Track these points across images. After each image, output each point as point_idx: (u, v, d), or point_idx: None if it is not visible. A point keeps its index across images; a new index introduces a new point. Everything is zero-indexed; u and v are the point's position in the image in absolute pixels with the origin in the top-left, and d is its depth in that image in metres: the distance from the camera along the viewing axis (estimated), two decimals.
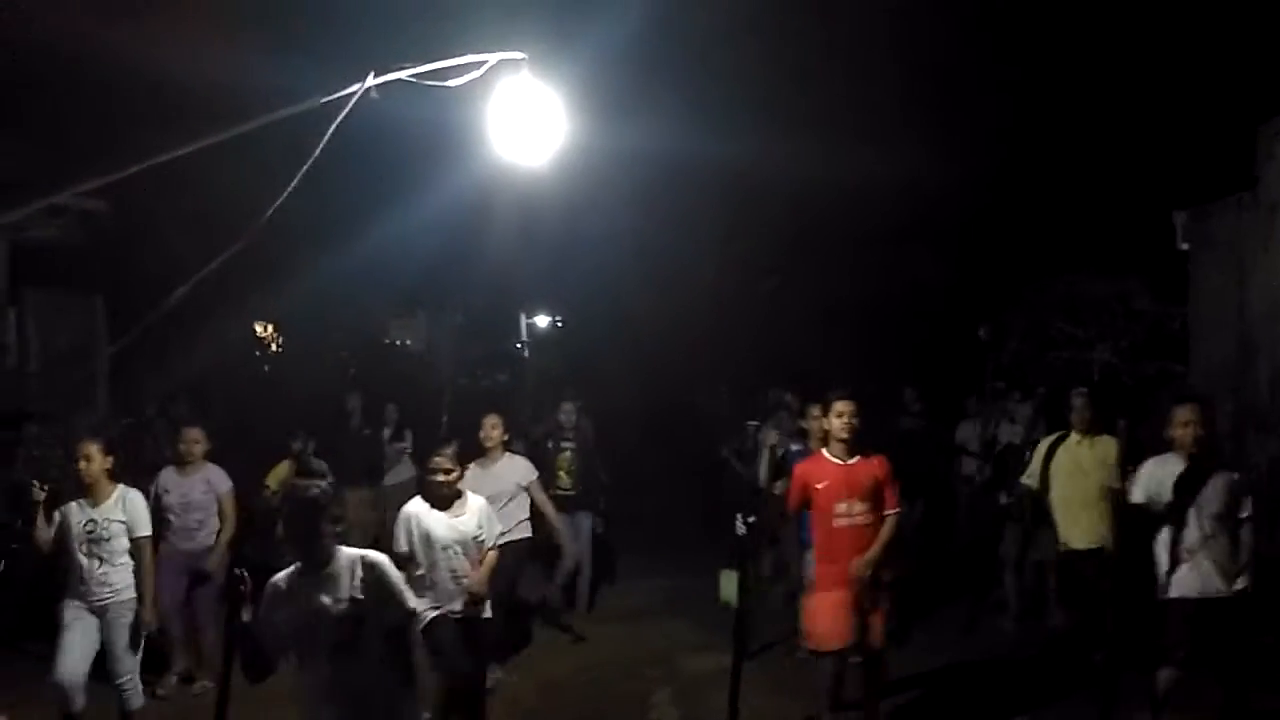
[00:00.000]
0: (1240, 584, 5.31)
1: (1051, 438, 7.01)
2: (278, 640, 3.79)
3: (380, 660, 3.79)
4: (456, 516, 5.65)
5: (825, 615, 5.70)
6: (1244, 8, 9.67)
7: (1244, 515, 5.37)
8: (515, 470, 7.07)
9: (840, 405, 5.73)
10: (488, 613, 5.80)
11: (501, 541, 6.72)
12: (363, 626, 3.72)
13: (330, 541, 3.85)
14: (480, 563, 5.70)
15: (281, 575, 3.88)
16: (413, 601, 3.91)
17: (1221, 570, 5.28)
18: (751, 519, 5.42)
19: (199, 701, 6.67)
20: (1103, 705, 5.54)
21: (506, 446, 7.18)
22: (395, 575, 3.89)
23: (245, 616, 3.81)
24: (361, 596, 3.74)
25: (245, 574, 3.87)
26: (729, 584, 8.59)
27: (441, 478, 5.62)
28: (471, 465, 6.94)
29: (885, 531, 5.67)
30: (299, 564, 3.84)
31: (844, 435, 5.71)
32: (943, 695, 6.82)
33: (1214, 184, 9.18)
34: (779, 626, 7.91)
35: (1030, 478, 7.03)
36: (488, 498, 6.74)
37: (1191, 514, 5.32)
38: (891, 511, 5.72)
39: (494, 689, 6.70)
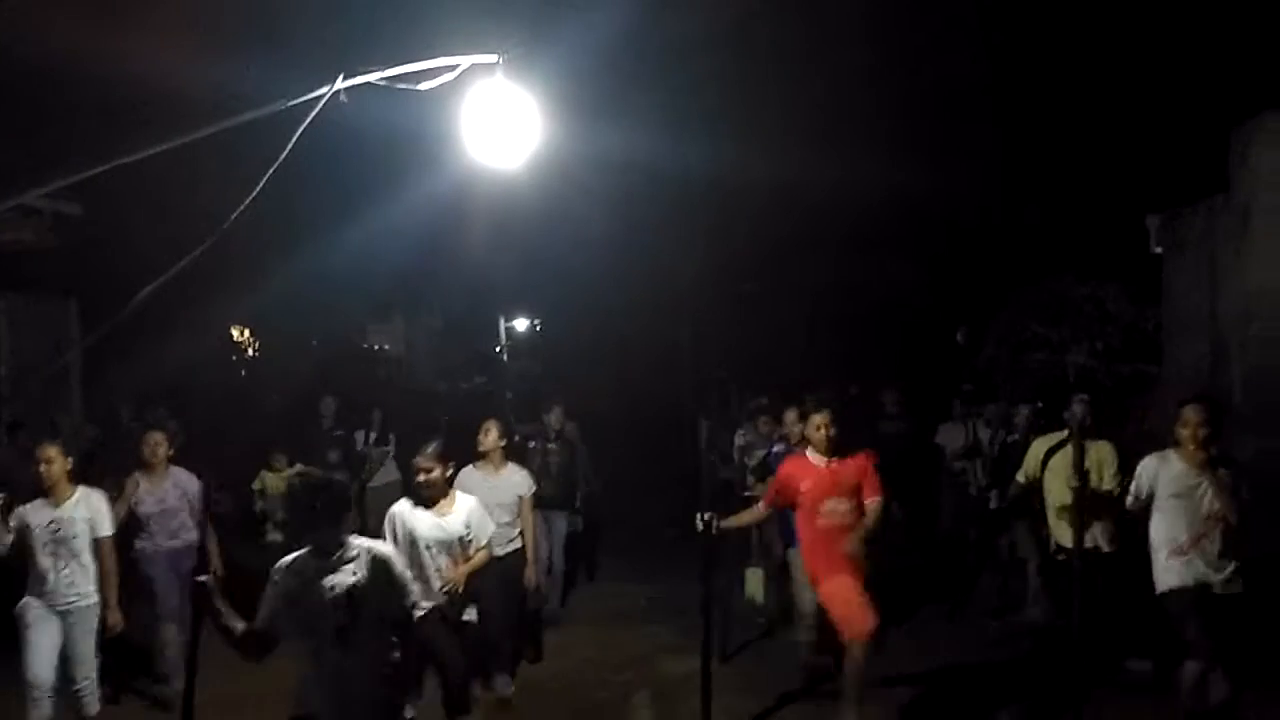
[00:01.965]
0: (1233, 585, 5.35)
1: (1050, 439, 7.08)
2: (278, 621, 3.82)
3: (376, 651, 3.81)
4: (443, 516, 5.65)
5: (841, 604, 5.81)
6: (1216, 13, 9.75)
7: (1240, 514, 5.38)
8: (518, 482, 7.00)
9: (817, 418, 5.96)
10: (470, 615, 5.77)
11: (511, 549, 6.79)
12: (361, 615, 3.76)
13: (341, 529, 3.91)
14: (464, 561, 5.68)
15: (291, 558, 3.92)
16: (416, 598, 3.92)
17: (1212, 569, 5.34)
18: (709, 516, 5.47)
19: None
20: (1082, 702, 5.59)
21: (506, 453, 7.09)
22: (402, 570, 3.93)
23: (235, 625, 3.82)
24: (365, 586, 3.77)
25: (209, 581, 3.87)
26: (754, 581, 8.64)
27: (423, 477, 5.62)
28: (470, 469, 6.91)
29: (871, 517, 5.86)
30: (309, 549, 3.88)
31: (823, 446, 5.93)
32: (928, 691, 6.86)
33: (1187, 188, 9.26)
34: (750, 627, 7.99)
35: (1022, 476, 7.15)
36: (495, 505, 6.76)
37: (1184, 515, 5.38)
38: (873, 500, 5.89)
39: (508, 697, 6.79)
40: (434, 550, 5.59)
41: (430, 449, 5.69)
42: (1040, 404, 8.70)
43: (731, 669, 7.21)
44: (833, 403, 6.05)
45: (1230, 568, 5.36)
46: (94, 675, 5.74)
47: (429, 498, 5.65)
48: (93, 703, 5.74)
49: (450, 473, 5.80)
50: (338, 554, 3.86)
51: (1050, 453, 6.97)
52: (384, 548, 4.00)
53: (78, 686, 5.66)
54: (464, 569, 5.65)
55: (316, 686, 3.81)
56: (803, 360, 15.53)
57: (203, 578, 3.89)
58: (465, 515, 5.71)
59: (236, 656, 3.92)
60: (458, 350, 23.33)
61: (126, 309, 3.45)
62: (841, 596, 5.80)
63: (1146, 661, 6.53)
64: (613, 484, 11.59)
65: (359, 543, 3.95)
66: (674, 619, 8.26)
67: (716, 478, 9.42)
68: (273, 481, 8.58)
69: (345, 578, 3.80)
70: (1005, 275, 12.81)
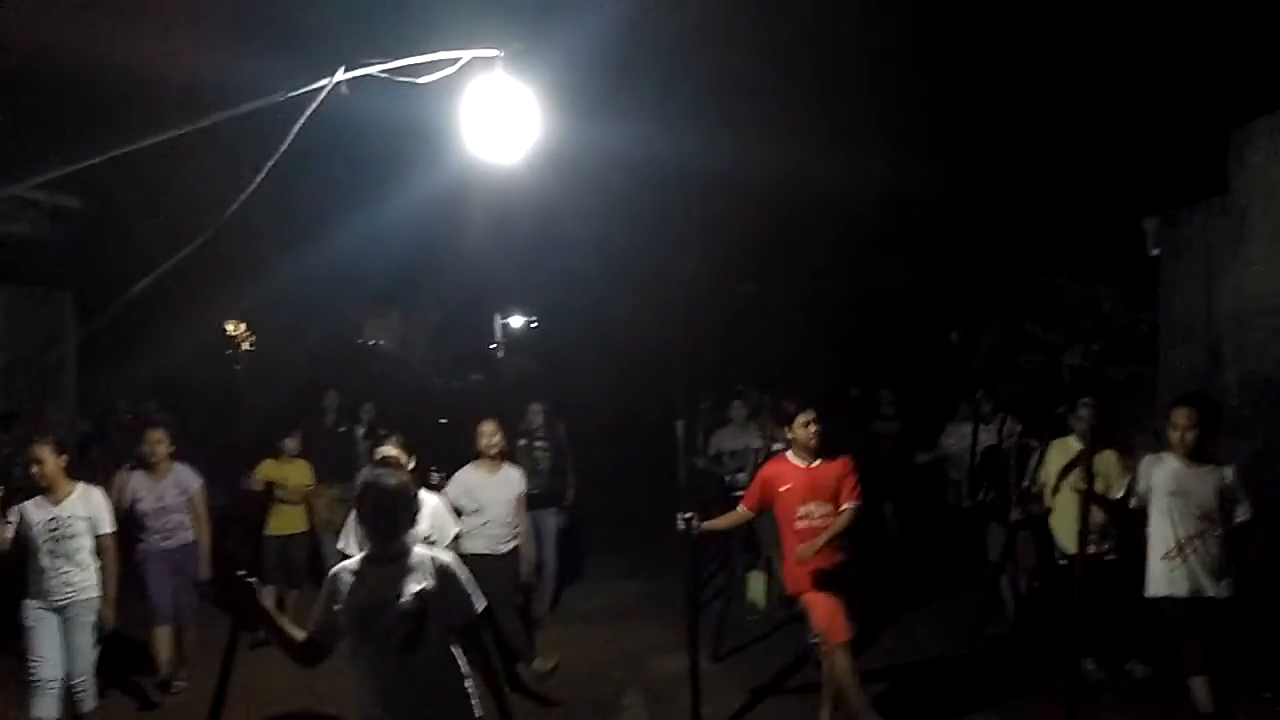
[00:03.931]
0: (1225, 589, 5.35)
1: (1064, 446, 7.00)
2: (335, 631, 3.73)
3: (441, 658, 3.77)
4: None
5: (821, 613, 5.77)
6: (1215, 13, 9.75)
7: (1238, 519, 5.43)
8: (517, 480, 7.06)
9: (803, 416, 5.90)
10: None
11: (513, 547, 6.80)
12: (427, 622, 3.69)
13: (406, 534, 3.83)
14: None
15: (347, 565, 3.83)
16: (480, 603, 3.86)
17: (1206, 571, 5.35)
18: (689, 515, 5.49)
19: (179, 700, 6.75)
20: (1070, 705, 5.59)
21: (504, 454, 7.11)
22: (465, 576, 3.84)
23: (291, 632, 3.74)
24: (429, 593, 3.71)
25: (250, 578, 3.76)
26: (756, 585, 8.62)
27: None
28: (470, 468, 6.91)
29: (840, 522, 5.78)
30: (369, 554, 3.80)
31: (812, 443, 5.88)
32: (918, 693, 6.85)
33: (1185, 190, 9.24)
34: (747, 627, 7.98)
35: (1045, 483, 7.07)
36: (498, 504, 6.74)
37: (1179, 513, 5.40)
38: (848, 505, 5.81)
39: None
40: None
41: (395, 439, 5.69)
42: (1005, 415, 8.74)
43: (724, 667, 7.22)
44: (818, 402, 5.97)
45: (1223, 571, 5.36)
46: (91, 671, 5.74)
47: None
48: (88, 699, 5.74)
49: (409, 464, 5.66)
50: (397, 560, 3.76)
51: (1068, 468, 6.78)
52: (446, 555, 3.88)
53: (75, 682, 5.66)
54: None
55: (383, 693, 3.69)
56: (796, 360, 15.51)
57: (244, 574, 3.76)
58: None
59: (248, 656, 3.85)
60: (454, 346, 23.24)
61: (123, 301, 3.43)
62: (822, 605, 5.77)
63: (1146, 665, 6.53)
64: (606, 482, 11.60)
65: (420, 550, 3.85)
66: (667, 617, 8.27)
67: (715, 478, 9.45)
68: (273, 470, 8.36)
69: (413, 585, 3.70)
70: (1000, 275, 12.80)
